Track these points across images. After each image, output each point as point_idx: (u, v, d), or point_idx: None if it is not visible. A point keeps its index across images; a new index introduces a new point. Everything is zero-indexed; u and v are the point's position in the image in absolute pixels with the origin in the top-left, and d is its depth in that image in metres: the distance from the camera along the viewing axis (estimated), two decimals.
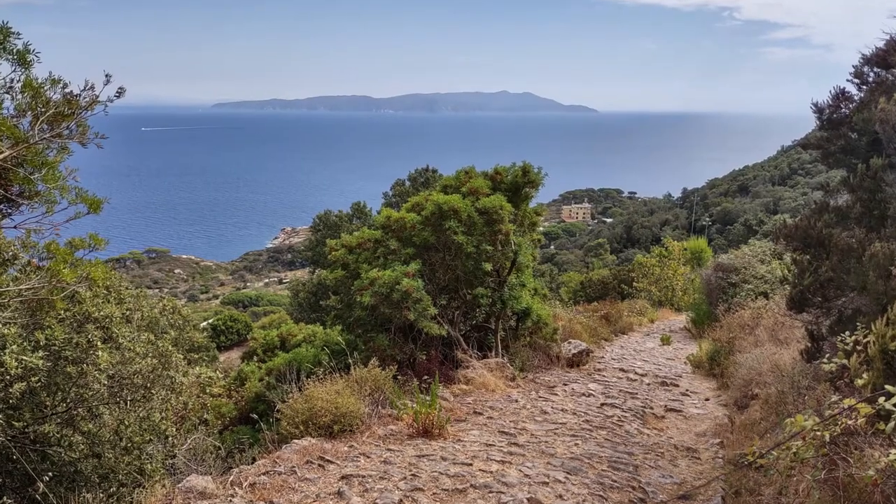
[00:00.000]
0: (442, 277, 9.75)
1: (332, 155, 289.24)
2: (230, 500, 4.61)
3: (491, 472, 5.45)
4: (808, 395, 5.56)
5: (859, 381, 3.84)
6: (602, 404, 8.50)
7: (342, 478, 5.13)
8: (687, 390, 10.04)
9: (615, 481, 5.53)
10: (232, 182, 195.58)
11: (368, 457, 5.69)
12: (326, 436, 6.19)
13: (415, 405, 6.57)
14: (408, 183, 36.56)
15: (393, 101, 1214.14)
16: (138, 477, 5.61)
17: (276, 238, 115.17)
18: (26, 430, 5.26)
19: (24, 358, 4.59)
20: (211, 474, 5.21)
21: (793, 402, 5.72)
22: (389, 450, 5.92)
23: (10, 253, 5.00)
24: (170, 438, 6.17)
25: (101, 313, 5.41)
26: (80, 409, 5.41)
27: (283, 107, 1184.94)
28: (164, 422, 6.01)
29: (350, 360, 7.53)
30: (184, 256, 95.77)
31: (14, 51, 4.61)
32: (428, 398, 6.63)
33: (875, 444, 3.58)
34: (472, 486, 5.10)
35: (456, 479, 5.23)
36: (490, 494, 4.97)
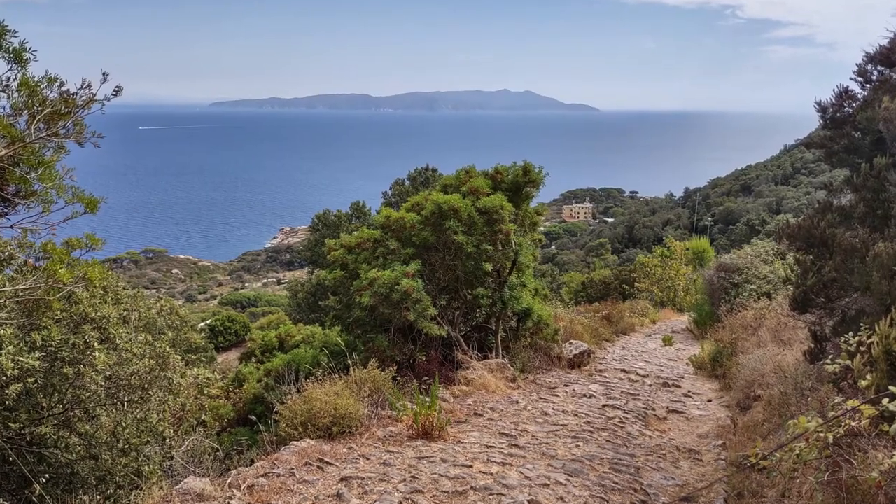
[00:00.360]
0: (442, 278, 9.75)
1: (331, 154, 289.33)
2: (228, 503, 4.61)
3: (491, 474, 5.45)
4: (811, 396, 5.56)
5: (863, 383, 3.84)
6: (603, 405, 8.50)
7: (341, 480, 5.13)
8: (689, 391, 10.04)
9: (616, 483, 5.53)
10: (230, 181, 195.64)
11: (368, 458, 5.69)
12: (325, 437, 6.19)
13: (414, 406, 6.57)
14: (407, 182, 36.58)
15: (392, 100, 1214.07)
16: (135, 479, 5.61)
17: (274, 238, 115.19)
18: (23, 431, 5.26)
19: (21, 359, 4.59)
20: (209, 476, 5.21)
21: (796, 404, 5.72)
22: (389, 451, 5.92)
23: (7, 253, 5.01)
24: (167, 440, 6.17)
25: (98, 314, 5.42)
26: (76, 411, 5.41)
27: (281, 105, 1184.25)
28: (162, 423, 6.01)
29: (349, 361, 7.53)
30: (181, 256, 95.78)
31: (10, 49, 4.61)
32: (428, 399, 6.63)
33: (879, 445, 3.58)
34: (472, 488, 5.10)
35: (456, 480, 5.23)
36: (490, 496, 4.97)
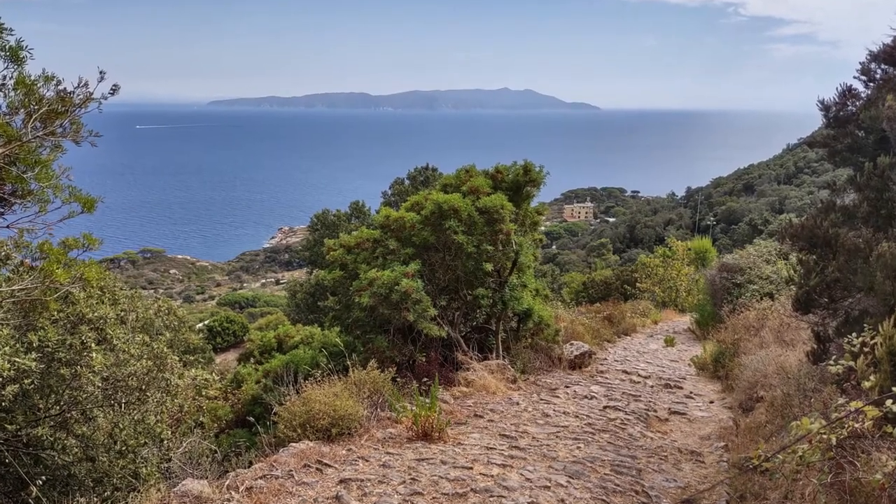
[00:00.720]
0: (442, 278, 9.74)
1: (330, 153, 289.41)
2: None
3: (492, 476, 5.45)
4: (814, 397, 5.56)
5: (866, 384, 3.84)
6: (605, 407, 8.50)
7: (340, 482, 5.13)
8: (691, 393, 10.04)
9: (618, 485, 5.53)
10: (228, 181, 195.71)
11: (367, 460, 5.69)
12: (324, 439, 6.19)
13: (414, 408, 6.57)
14: (407, 182, 36.59)
15: (392, 99, 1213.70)
16: (133, 481, 5.61)
17: (273, 238, 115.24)
18: (19, 433, 5.26)
19: (17, 360, 4.59)
20: (207, 478, 5.21)
21: (799, 405, 5.72)
22: (388, 453, 5.92)
23: (3, 253, 5.00)
24: (165, 442, 6.17)
25: (95, 314, 5.42)
26: (73, 412, 5.41)
27: (280, 104, 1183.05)
28: (160, 425, 6.01)
29: (348, 362, 7.53)
30: (179, 256, 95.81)
31: (6, 47, 4.60)
32: (427, 401, 6.63)
33: (882, 447, 3.58)
34: (472, 490, 5.10)
35: (456, 483, 5.23)
36: (491, 499, 4.97)
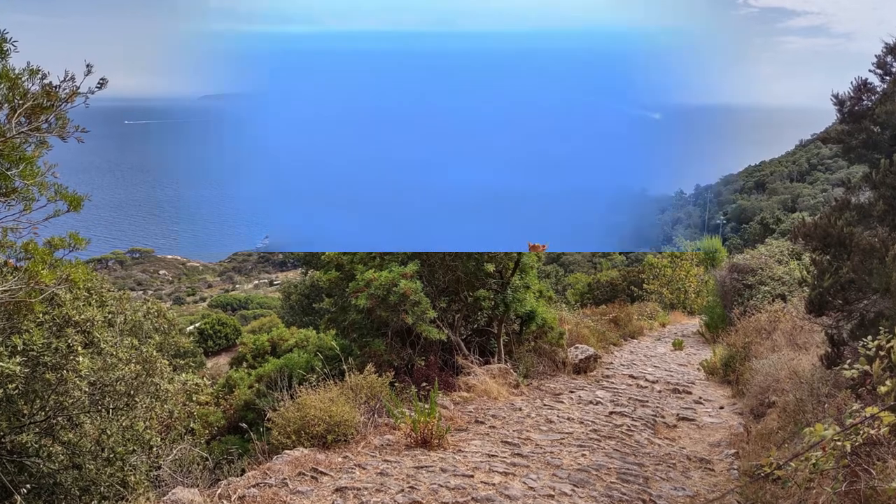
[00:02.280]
0: (441, 279, 9.75)
1: None
2: None
3: (493, 485, 5.45)
4: (828, 402, 5.56)
5: (882, 389, 3.83)
6: (611, 413, 8.50)
7: (336, 490, 5.13)
8: (700, 398, 10.04)
9: (624, 494, 5.53)
10: (220, 178, 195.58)
11: (364, 468, 5.69)
12: (320, 446, 6.19)
13: (413, 414, 6.58)
14: None
15: None
16: (121, 489, 5.61)
17: (266, 237, 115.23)
18: (3, 439, 5.26)
19: (1, 364, 4.59)
20: (198, 487, 5.21)
21: (812, 411, 5.72)
22: (386, 461, 5.92)
23: None
24: (154, 449, 6.17)
25: (82, 317, 5.42)
26: (59, 418, 5.41)
27: None
28: (149, 431, 6.01)
29: (345, 366, 7.53)
30: (169, 257, 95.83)
31: None
32: (427, 406, 6.64)
33: None
34: (473, 499, 5.11)
35: (456, 491, 5.23)
36: None
